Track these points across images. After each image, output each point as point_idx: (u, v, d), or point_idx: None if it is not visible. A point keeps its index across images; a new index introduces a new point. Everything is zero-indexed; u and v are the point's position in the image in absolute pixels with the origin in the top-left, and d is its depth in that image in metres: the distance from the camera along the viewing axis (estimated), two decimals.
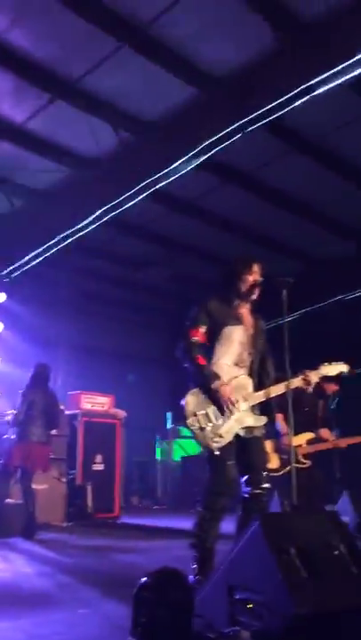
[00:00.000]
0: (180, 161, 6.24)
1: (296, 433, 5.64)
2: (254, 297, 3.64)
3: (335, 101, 5.72)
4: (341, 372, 3.85)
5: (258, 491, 3.46)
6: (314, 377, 3.68)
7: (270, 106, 5.46)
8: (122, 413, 7.94)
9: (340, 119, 6.31)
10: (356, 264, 9.48)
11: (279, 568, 2.16)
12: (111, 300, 11.33)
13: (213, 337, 3.56)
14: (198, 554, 3.35)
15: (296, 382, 3.62)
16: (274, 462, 5.52)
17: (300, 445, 5.67)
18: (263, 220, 8.49)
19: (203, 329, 3.53)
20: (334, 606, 2.06)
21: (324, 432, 5.92)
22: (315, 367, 3.75)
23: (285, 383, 3.47)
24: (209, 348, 3.55)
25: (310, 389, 3.72)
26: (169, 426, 11.66)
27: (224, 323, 3.55)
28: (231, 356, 3.57)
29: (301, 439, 5.71)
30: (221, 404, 3.41)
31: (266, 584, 2.17)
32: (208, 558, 3.31)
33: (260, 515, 2.39)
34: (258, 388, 3.59)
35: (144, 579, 2.17)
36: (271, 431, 5.71)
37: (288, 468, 5.33)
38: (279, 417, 5.35)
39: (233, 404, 3.43)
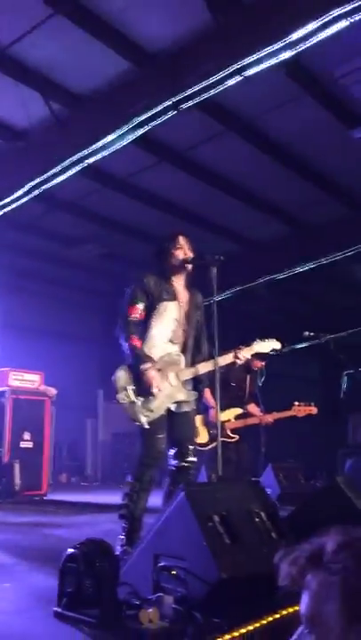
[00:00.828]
0: (112, 136, 6.17)
1: (224, 408, 5.77)
2: (186, 271, 3.68)
3: (268, 83, 5.78)
4: (273, 349, 3.95)
5: (185, 464, 3.55)
6: (246, 353, 3.77)
7: (203, 84, 5.45)
8: (52, 391, 7.85)
9: (273, 101, 6.39)
10: (287, 245, 9.72)
11: (203, 535, 2.22)
12: (42, 277, 11.12)
13: (150, 313, 3.60)
14: (126, 524, 3.42)
15: (226, 359, 3.69)
16: (203, 436, 5.64)
17: (228, 420, 5.81)
18: (198, 199, 8.53)
19: (141, 305, 3.58)
20: (256, 570, 2.14)
21: (252, 407, 6.08)
22: (247, 344, 3.83)
23: (214, 360, 3.54)
24: (146, 323, 3.60)
25: (238, 365, 3.81)
26: (99, 403, 11.64)
27: (159, 298, 3.60)
28: (165, 333, 3.62)
29: (230, 414, 5.85)
30: (146, 387, 3.46)
31: (190, 551, 2.23)
32: (136, 529, 3.38)
33: (185, 484, 2.44)
34: (191, 364, 3.66)
35: (70, 550, 2.18)
36: (200, 406, 5.84)
37: (216, 442, 5.47)
38: (207, 392, 5.46)
39: (156, 388, 3.47)
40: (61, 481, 10.73)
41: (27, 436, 7.57)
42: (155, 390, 3.45)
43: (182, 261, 3.64)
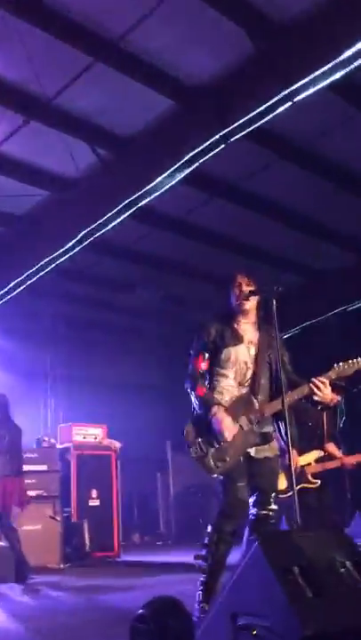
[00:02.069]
0: (162, 176, 6.33)
1: (302, 450, 5.65)
2: (251, 310, 3.73)
3: (319, 106, 5.83)
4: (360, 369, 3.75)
5: (265, 512, 3.51)
6: (324, 379, 3.62)
7: (252, 115, 5.56)
8: (117, 444, 7.91)
9: (325, 124, 6.42)
10: (356, 273, 9.58)
11: (282, 588, 2.15)
12: (98, 325, 11.31)
13: (215, 360, 3.68)
14: (205, 579, 3.37)
15: (299, 392, 3.60)
16: (281, 483, 5.51)
17: (308, 464, 5.67)
18: (255, 232, 8.57)
19: (205, 356, 3.68)
20: (343, 625, 2.05)
21: (331, 447, 5.92)
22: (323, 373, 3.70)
23: (282, 398, 3.48)
24: (212, 372, 3.68)
25: (329, 399, 3.64)
26: (169, 455, 11.59)
27: (223, 344, 3.68)
28: (233, 377, 3.66)
29: (310, 457, 5.71)
30: (217, 433, 3.47)
31: (269, 607, 2.16)
32: (213, 584, 3.32)
33: (259, 533, 2.38)
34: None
35: (140, 610, 2.16)
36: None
37: (297, 489, 5.35)
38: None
39: (227, 431, 3.46)
40: (134, 540, 10.66)
41: (94, 493, 7.61)
42: (226, 434, 3.44)
43: (240, 299, 3.68)
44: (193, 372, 3.67)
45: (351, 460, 5.77)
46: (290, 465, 3.30)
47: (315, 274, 9.97)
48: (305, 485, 5.57)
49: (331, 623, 2.08)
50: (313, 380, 3.59)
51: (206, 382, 3.66)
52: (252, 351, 3.71)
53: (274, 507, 3.56)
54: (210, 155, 6.07)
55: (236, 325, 3.75)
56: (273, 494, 3.58)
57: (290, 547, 2.32)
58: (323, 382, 3.59)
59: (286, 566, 2.22)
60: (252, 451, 3.57)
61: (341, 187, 7.58)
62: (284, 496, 5.47)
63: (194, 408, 3.64)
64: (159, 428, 11.46)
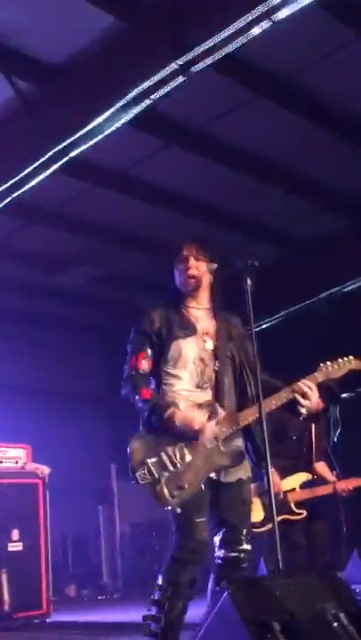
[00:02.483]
0: (101, 117, 6.27)
1: (284, 472, 5.72)
2: (192, 290, 3.76)
3: (308, 28, 5.87)
4: (352, 370, 3.82)
5: (235, 554, 3.52)
6: (311, 383, 3.65)
7: (219, 37, 5.55)
8: (44, 470, 7.86)
9: (314, 52, 6.47)
10: (350, 243, 9.71)
11: None
12: (19, 315, 11.21)
13: (160, 358, 3.67)
14: None
15: (279, 398, 3.63)
16: (257, 513, 5.57)
17: (292, 489, 5.75)
18: (222, 190, 8.61)
19: (147, 352, 3.67)
20: None
21: (322, 468, 6.01)
22: (309, 374, 3.75)
23: (261, 403, 3.52)
24: (158, 373, 3.67)
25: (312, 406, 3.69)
26: (114, 483, 11.61)
27: (171, 337, 3.66)
28: (189, 378, 3.65)
29: (294, 481, 5.79)
30: (185, 436, 3.46)
31: None
32: None
33: (229, 581, 2.41)
34: (236, 411, 3.66)
35: None
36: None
37: (278, 520, 5.43)
38: None
39: (200, 429, 3.46)
40: (69, 595, 10.66)
41: (15, 534, 7.56)
42: (196, 425, 3.44)
43: (186, 277, 3.70)
44: (131, 374, 3.65)
45: (347, 484, 5.87)
46: (268, 490, 3.34)
47: (297, 244, 10.07)
48: (288, 517, 5.65)
49: None
50: (297, 383, 3.64)
51: (152, 386, 3.65)
52: (209, 345, 3.71)
53: (246, 546, 3.57)
54: (166, 90, 6.05)
55: (185, 312, 3.75)
56: (245, 530, 3.59)
57: (268, 597, 2.36)
58: (308, 386, 3.63)
59: (264, 622, 2.25)
60: (213, 474, 3.56)
61: (335, 132, 7.66)
62: (261, 530, 5.55)
63: (142, 417, 3.61)
64: (101, 448, 11.48)
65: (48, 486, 7.94)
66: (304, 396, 3.63)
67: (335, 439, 8.59)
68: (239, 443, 3.67)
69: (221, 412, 3.60)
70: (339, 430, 9.53)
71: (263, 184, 8.47)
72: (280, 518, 5.47)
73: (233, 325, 3.82)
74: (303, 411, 3.69)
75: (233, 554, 3.54)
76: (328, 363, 3.77)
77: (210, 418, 3.55)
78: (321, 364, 3.78)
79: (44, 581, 7.65)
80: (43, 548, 7.73)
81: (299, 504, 5.73)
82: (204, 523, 3.49)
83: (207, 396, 3.64)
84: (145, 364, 3.65)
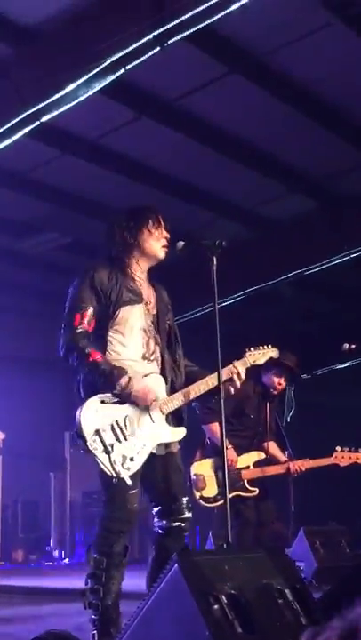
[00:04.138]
0: (75, 83, 6.19)
1: (241, 449, 5.81)
2: (159, 258, 3.76)
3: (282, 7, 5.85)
4: (271, 359, 4.06)
5: (177, 523, 3.57)
6: (240, 367, 3.81)
7: (197, 10, 5.51)
8: None
9: (292, 32, 6.46)
10: (316, 225, 9.77)
11: (207, 622, 2.23)
12: None
13: (104, 322, 3.60)
14: (96, 616, 3.41)
15: (204, 385, 3.72)
16: (210, 489, 5.67)
17: (246, 467, 5.83)
18: (191, 165, 8.58)
19: (89, 311, 3.56)
20: None
21: (273, 448, 6.11)
22: (239, 356, 3.90)
23: (207, 378, 3.58)
24: (101, 338, 3.59)
25: (238, 385, 3.81)
26: (67, 451, 11.62)
27: (119, 301, 3.59)
28: (135, 348, 3.64)
29: (248, 459, 5.87)
30: (139, 406, 3.49)
31: None
32: (110, 620, 3.39)
33: (180, 554, 2.45)
34: (171, 388, 3.71)
35: None
36: (207, 447, 5.85)
37: (231, 496, 5.54)
38: (214, 426, 5.50)
39: (153, 401, 3.51)
40: (16, 559, 10.69)
41: None
42: (151, 399, 3.48)
43: (161, 247, 3.69)
44: (76, 331, 3.50)
45: (299, 465, 5.96)
46: (223, 467, 3.40)
47: (263, 224, 10.10)
48: (240, 494, 5.74)
49: None
50: (232, 365, 3.75)
51: (94, 347, 3.54)
52: (151, 314, 3.72)
53: (188, 515, 3.63)
54: (141, 59, 5.99)
55: (132, 277, 3.70)
56: (185, 499, 3.65)
57: (217, 571, 2.40)
58: (239, 370, 3.80)
59: (212, 594, 2.30)
60: (154, 449, 3.60)
61: (308, 114, 7.67)
62: (213, 505, 5.65)
63: (83, 385, 3.55)
64: (55, 415, 11.45)
65: (1, 451, 7.94)
66: (238, 378, 3.74)
67: (288, 419, 8.73)
68: (175, 420, 3.71)
69: (165, 388, 3.64)
70: (293, 411, 9.69)
71: (233, 161, 8.46)
72: (233, 494, 5.56)
73: (165, 297, 3.86)
74: (232, 392, 3.80)
75: (175, 523, 3.61)
76: (252, 349, 3.96)
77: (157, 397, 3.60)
78: (247, 350, 3.94)
79: None
80: None
81: (251, 482, 5.82)
82: (136, 494, 3.51)
83: (152, 368, 3.67)
84: (89, 324, 3.54)
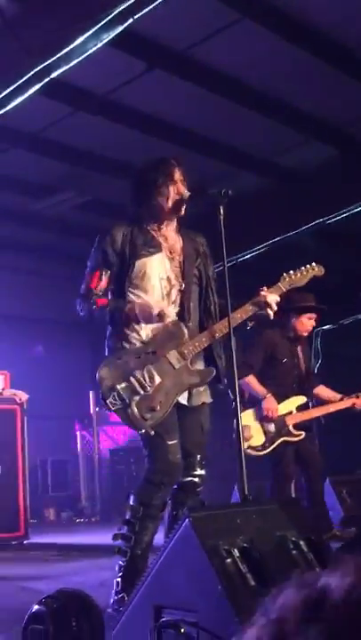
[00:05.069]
0: (82, 36, 6.10)
1: (281, 396, 5.82)
2: (180, 214, 3.73)
3: None
4: (315, 276, 3.96)
5: (190, 478, 3.59)
6: (271, 295, 3.73)
7: None
8: (23, 395, 7.90)
9: None
10: (337, 173, 9.62)
11: (219, 576, 2.22)
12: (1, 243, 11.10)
13: (123, 277, 3.64)
14: (124, 562, 3.45)
15: (243, 312, 3.67)
16: (257, 437, 5.72)
17: (288, 413, 5.84)
18: (204, 117, 8.43)
19: (105, 272, 3.64)
20: None
21: (323, 389, 6.12)
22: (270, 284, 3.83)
23: (234, 313, 3.55)
24: (121, 292, 3.65)
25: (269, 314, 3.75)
26: (93, 410, 11.73)
27: (134, 254, 3.62)
28: (154, 296, 3.65)
29: (290, 404, 5.88)
30: (158, 356, 3.49)
31: (202, 599, 2.23)
32: (137, 570, 3.41)
33: (190, 508, 2.44)
34: (199, 331, 3.69)
35: (35, 606, 2.20)
36: (247, 398, 5.86)
37: (277, 444, 5.59)
38: (252, 378, 5.55)
39: (160, 313, 3.50)
40: (48, 518, 10.88)
41: None
42: (156, 310, 3.48)
43: (177, 203, 3.64)
44: (86, 292, 3.64)
45: (346, 403, 5.99)
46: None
47: (282, 174, 9.94)
48: (286, 439, 5.77)
49: None
50: (262, 292, 3.68)
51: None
52: (175, 262, 3.71)
53: (201, 472, 3.66)
54: (149, 7, 5.86)
55: (150, 230, 3.72)
56: (199, 456, 3.67)
57: (229, 524, 2.39)
58: (272, 297, 3.73)
59: (224, 548, 2.28)
60: (183, 398, 3.60)
61: (325, 59, 7.47)
62: (261, 453, 5.71)
63: (107, 340, 3.64)
64: (82, 374, 11.52)
65: (27, 412, 7.99)
66: (269, 305, 3.69)
67: (315, 370, 8.69)
68: (201, 365, 3.71)
69: (186, 333, 3.61)
70: (320, 361, 9.63)
71: (248, 111, 8.30)
72: (280, 441, 5.64)
73: (199, 244, 3.82)
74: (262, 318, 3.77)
75: (188, 478, 3.64)
76: (291, 272, 3.87)
77: (176, 343, 3.57)
78: (284, 274, 3.86)
79: (22, 505, 7.77)
80: (20, 472, 7.82)
81: (296, 426, 5.85)
82: (176, 445, 3.54)
83: (172, 313, 3.65)
84: (101, 283, 3.63)
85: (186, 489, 3.62)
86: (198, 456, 3.66)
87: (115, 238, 3.66)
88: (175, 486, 3.63)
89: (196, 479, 3.63)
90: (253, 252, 10.02)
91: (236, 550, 2.28)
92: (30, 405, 8.06)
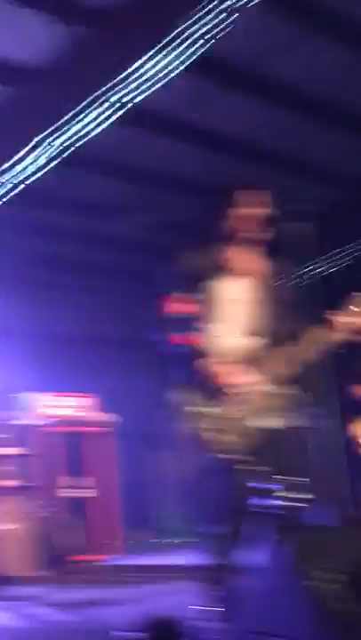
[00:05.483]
0: (145, 56, 6.14)
1: None
2: (255, 240, 3.68)
3: None
4: None
5: (291, 503, 3.51)
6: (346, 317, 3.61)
7: None
8: (114, 418, 7.92)
9: None
10: None
11: (325, 604, 2.17)
12: (76, 265, 11.22)
13: (199, 300, 3.65)
14: (219, 591, 3.41)
15: (322, 336, 3.56)
16: None
17: None
18: (285, 133, 8.34)
19: (178, 294, 3.69)
20: None
21: None
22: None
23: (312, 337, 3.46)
24: (196, 316, 3.62)
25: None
26: (169, 430, 11.67)
27: (205, 276, 3.63)
28: (230, 323, 3.63)
29: None
30: (216, 393, 3.47)
31: (306, 630, 2.19)
32: (231, 597, 3.35)
33: (288, 532, 2.40)
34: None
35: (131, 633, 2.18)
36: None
37: None
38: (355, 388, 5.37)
39: (236, 385, 3.44)
40: (139, 539, 10.87)
41: (88, 481, 7.65)
42: (238, 383, 3.40)
43: (259, 229, 3.61)
44: (161, 318, 3.67)
45: None
46: None
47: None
48: None
49: None
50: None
51: (184, 331, 3.64)
52: (253, 286, 3.69)
53: (304, 495, 3.58)
54: (218, 29, 5.88)
55: (228, 254, 3.72)
56: (300, 479, 3.60)
57: (334, 548, 2.33)
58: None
59: (328, 576, 2.23)
60: (264, 422, 3.55)
61: None
62: None
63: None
64: (149, 393, 11.49)
65: (117, 434, 8.01)
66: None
67: None
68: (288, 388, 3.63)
69: (271, 356, 3.56)
70: None
71: (320, 124, 8.24)
72: None
73: (277, 268, 3.77)
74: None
75: (290, 502, 3.56)
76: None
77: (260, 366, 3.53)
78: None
79: (118, 527, 7.75)
80: (115, 494, 7.81)
81: None
82: (253, 469, 3.48)
83: (249, 342, 3.62)
84: (175, 307, 3.67)
85: (288, 514, 3.55)
86: (300, 477, 3.61)
87: (190, 262, 3.73)
88: (277, 511, 3.57)
89: (297, 503, 3.56)
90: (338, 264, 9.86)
91: (344, 577, 2.23)
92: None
